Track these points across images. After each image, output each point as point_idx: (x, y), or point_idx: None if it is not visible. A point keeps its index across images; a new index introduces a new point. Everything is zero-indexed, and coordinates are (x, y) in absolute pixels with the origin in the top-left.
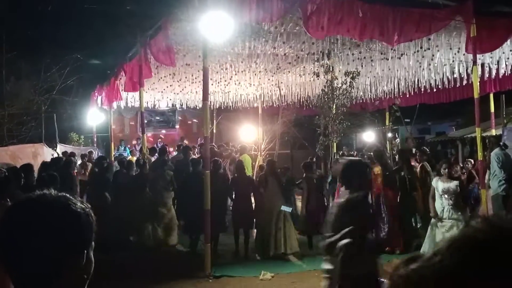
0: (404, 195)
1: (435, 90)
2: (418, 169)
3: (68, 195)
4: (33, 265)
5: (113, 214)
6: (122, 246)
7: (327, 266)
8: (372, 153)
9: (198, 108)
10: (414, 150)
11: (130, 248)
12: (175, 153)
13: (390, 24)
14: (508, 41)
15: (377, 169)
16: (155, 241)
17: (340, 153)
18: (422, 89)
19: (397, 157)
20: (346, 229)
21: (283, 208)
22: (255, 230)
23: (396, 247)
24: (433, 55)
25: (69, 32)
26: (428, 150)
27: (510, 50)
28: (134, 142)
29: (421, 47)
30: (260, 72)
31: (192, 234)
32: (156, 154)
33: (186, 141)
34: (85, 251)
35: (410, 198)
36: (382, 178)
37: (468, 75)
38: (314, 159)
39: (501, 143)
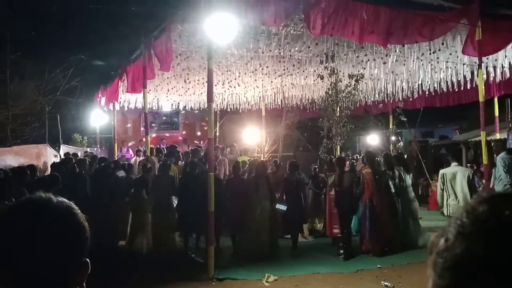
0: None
1: (439, 93)
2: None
3: (66, 200)
4: (37, 275)
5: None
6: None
7: None
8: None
9: (201, 110)
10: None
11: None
12: None
13: (394, 27)
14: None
15: (367, 171)
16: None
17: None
18: (427, 92)
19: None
20: None
21: (278, 206)
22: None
23: (372, 250)
24: (437, 58)
25: (73, 33)
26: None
27: None
28: (128, 144)
29: (428, 50)
30: (264, 74)
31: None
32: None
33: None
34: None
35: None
36: (373, 182)
37: (472, 78)
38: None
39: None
